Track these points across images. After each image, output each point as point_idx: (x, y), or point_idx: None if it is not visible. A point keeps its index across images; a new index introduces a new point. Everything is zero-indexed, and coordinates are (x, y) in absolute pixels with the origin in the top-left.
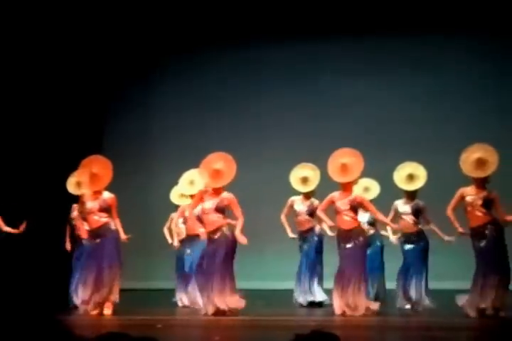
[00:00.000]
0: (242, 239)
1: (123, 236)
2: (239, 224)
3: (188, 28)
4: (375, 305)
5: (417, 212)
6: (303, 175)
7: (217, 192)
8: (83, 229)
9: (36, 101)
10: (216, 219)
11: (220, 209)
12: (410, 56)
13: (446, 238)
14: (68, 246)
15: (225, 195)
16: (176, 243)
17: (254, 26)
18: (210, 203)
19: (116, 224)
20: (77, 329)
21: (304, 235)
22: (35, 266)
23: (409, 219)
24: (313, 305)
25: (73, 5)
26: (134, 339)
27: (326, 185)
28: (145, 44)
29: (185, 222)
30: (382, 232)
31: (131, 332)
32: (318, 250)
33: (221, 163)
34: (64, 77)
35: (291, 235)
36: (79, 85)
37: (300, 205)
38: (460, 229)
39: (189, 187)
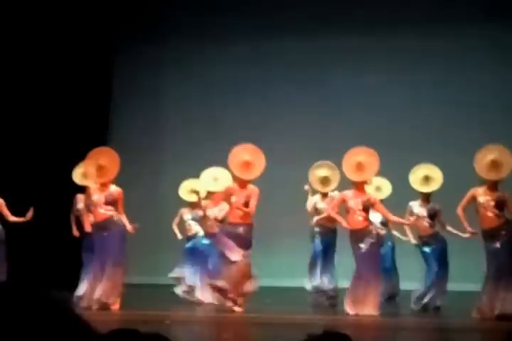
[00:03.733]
0: None
1: (129, 227)
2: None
3: (201, 24)
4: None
5: (433, 216)
6: (322, 175)
7: (245, 185)
8: (88, 222)
9: (43, 92)
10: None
11: (247, 203)
12: (425, 55)
13: (466, 235)
14: (76, 232)
15: (254, 188)
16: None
17: (266, 23)
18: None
19: (124, 217)
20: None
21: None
22: (44, 256)
23: (425, 221)
24: (318, 291)
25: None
26: (143, 336)
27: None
28: (155, 34)
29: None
30: (394, 232)
31: (140, 328)
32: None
33: (249, 154)
34: (71, 67)
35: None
36: (86, 75)
37: (321, 204)
38: (469, 229)
39: (213, 183)
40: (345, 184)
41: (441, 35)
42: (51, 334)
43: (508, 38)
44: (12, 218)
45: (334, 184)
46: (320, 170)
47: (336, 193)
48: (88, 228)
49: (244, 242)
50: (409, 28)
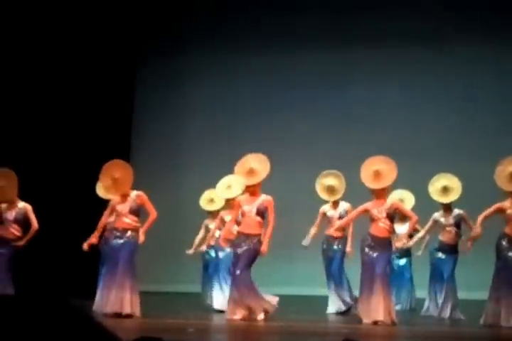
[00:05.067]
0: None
1: (142, 238)
2: (269, 230)
3: (222, 37)
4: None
5: (459, 223)
6: (328, 184)
7: (255, 193)
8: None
9: (69, 103)
10: (255, 223)
11: (261, 212)
12: (446, 65)
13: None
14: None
15: (267, 197)
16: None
17: (289, 34)
18: (249, 207)
19: (148, 219)
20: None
21: (332, 242)
22: (65, 265)
23: (453, 230)
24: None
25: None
26: None
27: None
28: (177, 47)
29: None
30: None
31: (163, 336)
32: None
33: (256, 162)
34: (96, 79)
35: (306, 241)
36: (110, 87)
37: (331, 211)
38: (479, 229)
39: (227, 191)
40: (352, 193)
41: (460, 46)
42: None
43: None
44: (36, 226)
45: (340, 192)
46: (326, 179)
47: (346, 204)
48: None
49: (253, 253)
50: (429, 41)
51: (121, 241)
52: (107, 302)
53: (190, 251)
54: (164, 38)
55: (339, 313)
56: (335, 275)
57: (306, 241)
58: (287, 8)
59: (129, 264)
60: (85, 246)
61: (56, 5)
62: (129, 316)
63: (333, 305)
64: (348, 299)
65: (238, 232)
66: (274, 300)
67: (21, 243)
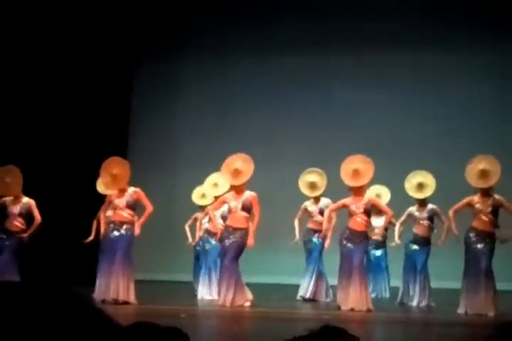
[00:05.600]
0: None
1: (137, 231)
2: (255, 223)
3: (215, 41)
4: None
5: (432, 217)
6: (310, 181)
7: (240, 190)
8: (104, 224)
9: (70, 104)
10: (241, 217)
11: (246, 208)
12: (422, 69)
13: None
14: (90, 238)
15: (250, 193)
16: (191, 241)
17: (270, 40)
18: (235, 203)
19: (144, 214)
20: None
21: (312, 235)
22: (67, 255)
23: (426, 223)
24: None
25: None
26: (161, 329)
27: (335, 187)
28: (169, 46)
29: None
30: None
31: (157, 321)
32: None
33: (240, 162)
34: (96, 80)
35: (295, 239)
36: (108, 88)
37: (312, 206)
38: (455, 230)
39: (213, 189)
40: (333, 190)
41: (434, 51)
42: (75, 327)
43: (498, 54)
44: (39, 219)
45: (322, 189)
46: (309, 176)
47: (327, 200)
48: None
49: (240, 245)
50: (406, 46)
51: (118, 233)
52: (105, 289)
53: (191, 242)
54: (161, 42)
55: (305, 300)
56: (313, 265)
57: (294, 241)
58: (270, 16)
59: (126, 255)
60: (86, 241)
61: (60, 9)
62: (125, 303)
63: (302, 290)
64: (317, 288)
65: (226, 226)
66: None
67: (26, 235)
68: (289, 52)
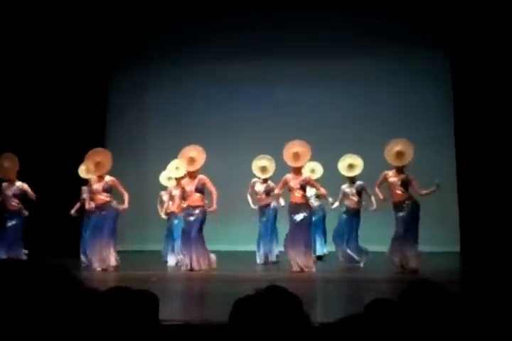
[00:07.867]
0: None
1: (124, 207)
2: (214, 197)
3: (179, 49)
4: (313, 266)
5: (360, 192)
6: (261, 165)
7: (193, 176)
8: (88, 203)
9: (54, 102)
10: (197, 197)
11: (199, 189)
12: (349, 70)
13: (372, 208)
14: (73, 212)
15: (201, 177)
16: (163, 215)
17: (232, 48)
18: (190, 186)
19: (124, 198)
20: (87, 283)
21: (263, 209)
22: (55, 231)
23: (355, 198)
24: (272, 263)
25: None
26: (135, 292)
27: (281, 170)
28: (143, 34)
29: (171, 200)
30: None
31: (132, 285)
32: (274, 221)
33: (194, 152)
34: (75, 82)
35: (253, 207)
36: (88, 89)
37: (259, 187)
38: (381, 197)
39: (175, 171)
40: (280, 172)
41: (356, 54)
42: (57, 296)
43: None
44: (34, 197)
45: (271, 172)
46: (260, 161)
47: (272, 183)
48: (90, 207)
49: (201, 219)
50: (335, 52)
51: (104, 212)
52: (96, 259)
53: (163, 216)
54: (136, 48)
55: (263, 264)
56: (265, 234)
57: (253, 206)
58: (233, 23)
59: (113, 230)
60: (72, 212)
61: (42, 10)
62: (116, 268)
63: (259, 257)
64: (271, 254)
65: (187, 206)
66: (214, 257)
67: (26, 213)
68: (241, 59)
